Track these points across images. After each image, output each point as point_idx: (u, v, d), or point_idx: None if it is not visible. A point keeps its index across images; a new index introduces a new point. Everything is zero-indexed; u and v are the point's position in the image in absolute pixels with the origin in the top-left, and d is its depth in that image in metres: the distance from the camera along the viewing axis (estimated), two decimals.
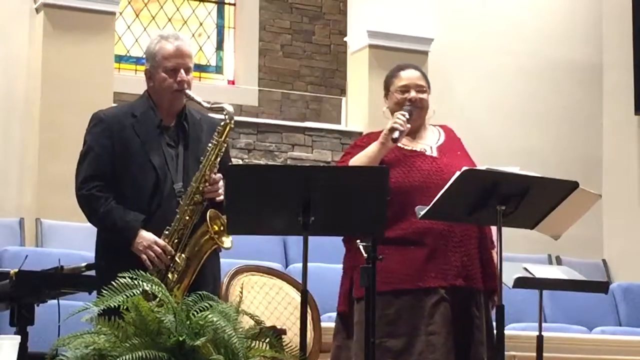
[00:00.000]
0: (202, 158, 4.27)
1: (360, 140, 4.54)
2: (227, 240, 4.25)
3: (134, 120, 4.34)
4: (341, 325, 4.47)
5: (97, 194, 4.25)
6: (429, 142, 4.51)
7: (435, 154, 4.46)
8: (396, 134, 4.31)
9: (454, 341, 4.26)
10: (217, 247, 4.30)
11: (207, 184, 4.25)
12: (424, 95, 4.48)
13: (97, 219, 4.28)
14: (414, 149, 4.45)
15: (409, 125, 4.36)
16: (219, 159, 4.28)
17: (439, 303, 4.25)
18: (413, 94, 4.45)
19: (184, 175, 4.30)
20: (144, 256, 4.18)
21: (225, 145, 4.32)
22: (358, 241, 4.22)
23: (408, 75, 4.50)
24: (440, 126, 4.62)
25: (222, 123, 4.30)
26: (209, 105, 4.31)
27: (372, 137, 4.48)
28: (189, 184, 4.26)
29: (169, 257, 4.20)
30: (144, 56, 4.52)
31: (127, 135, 4.30)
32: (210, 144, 4.28)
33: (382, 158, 4.36)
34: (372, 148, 4.37)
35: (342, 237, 4.49)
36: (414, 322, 4.27)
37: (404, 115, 4.36)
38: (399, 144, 4.38)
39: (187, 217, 4.23)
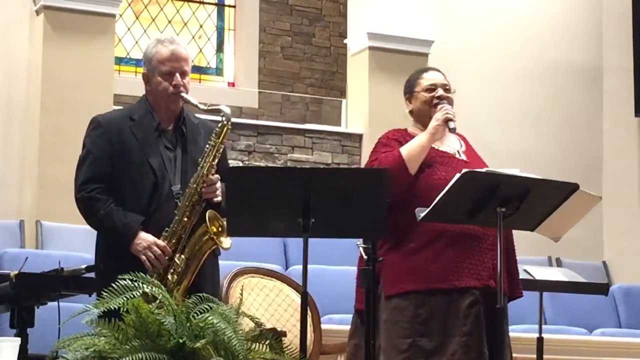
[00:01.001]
0: (199, 160, 4.28)
1: (392, 134, 4.52)
2: (226, 241, 4.26)
3: (132, 123, 4.35)
4: (360, 323, 4.43)
5: (97, 196, 4.26)
6: (454, 146, 4.55)
7: (464, 157, 4.51)
8: (452, 124, 4.38)
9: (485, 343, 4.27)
10: (217, 248, 4.30)
11: (205, 185, 4.25)
12: (450, 95, 4.52)
13: (97, 221, 4.29)
14: (446, 150, 4.48)
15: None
16: (216, 160, 4.29)
17: (473, 304, 4.23)
18: (441, 92, 4.50)
19: (182, 177, 4.31)
20: (143, 257, 4.18)
21: (223, 146, 4.32)
22: (358, 243, 4.23)
23: (433, 76, 4.57)
24: (456, 133, 4.65)
25: (220, 124, 4.31)
26: (205, 107, 4.32)
27: (401, 132, 4.50)
28: (187, 186, 4.27)
29: (167, 257, 4.21)
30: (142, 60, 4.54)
31: (125, 138, 4.32)
32: (207, 145, 4.29)
33: None
34: (423, 138, 4.38)
35: None
36: (448, 322, 4.24)
37: (450, 107, 4.43)
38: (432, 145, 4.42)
39: (186, 218, 4.24)
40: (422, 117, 4.50)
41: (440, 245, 4.28)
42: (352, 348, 4.40)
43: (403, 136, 4.47)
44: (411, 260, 4.27)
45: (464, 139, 4.64)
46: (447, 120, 4.38)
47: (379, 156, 4.39)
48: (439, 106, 4.44)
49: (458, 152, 4.53)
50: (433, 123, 4.39)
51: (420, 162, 4.34)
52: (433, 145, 4.42)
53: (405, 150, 4.34)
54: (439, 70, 4.63)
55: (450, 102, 4.49)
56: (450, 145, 4.53)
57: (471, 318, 4.23)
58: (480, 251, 4.30)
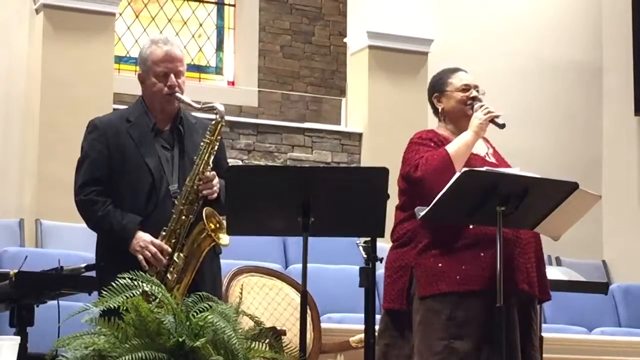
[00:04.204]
0: (195, 157, 4.28)
1: (425, 134, 4.51)
2: (224, 237, 4.25)
3: (129, 125, 4.36)
4: (391, 322, 4.42)
5: (95, 198, 4.28)
6: (482, 149, 4.56)
7: (493, 160, 4.52)
8: (501, 120, 4.43)
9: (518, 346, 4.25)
10: (216, 245, 4.30)
11: (201, 183, 4.25)
12: (481, 96, 4.54)
13: (95, 223, 4.30)
14: (476, 152, 4.49)
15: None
16: (212, 158, 4.29)
17: (508, 308, 4.19)
18: (475, 92, 4.52)
19: (180, 176, 4.32)
20: (141, 256, 4.19)
21: (218, 143, 4.31)
22: (357, 242, 4.22)
23: (466, 76, 4.58)
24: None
25: (213, 122, 4.31)
26: (199, 106, 4.32)
27: (432, 133, 4.50)
28: (184, 184, 4.27)
29: (166, 256, 4.21)
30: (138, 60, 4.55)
31: (122, 140, 4.33)
32: (202, 143, 4.29)
33: None
34: (468, 137, 4.39)
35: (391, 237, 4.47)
36: (483, 325, 4.22)
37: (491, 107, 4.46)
38: None
39: (183, 217, 4.24)
40: (454, 117, 4.51)
41: (476, 249, 4.27)
42: (383, 347, 4.38)
43: (435, 136, 4.47)
44: (447, 262, 4.26)
45: (488, 141, 4.65)
46: (491, 119, 4.40)
47: (424, 155, 4.36)
48: (477, 105, 4.46)
49: (487, 154, 4.55)
50: (476, 122, 4.41)
51: (464, 161, 4.34)
52: None
53: (452, 148, 4.35)
54: (465, 71, 4.64)
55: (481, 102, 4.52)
56: (479, 148, 4.55)
57: (506, 321, 4.17)
58: (514, 255, 4.27)
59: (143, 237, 4.21)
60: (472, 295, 4.24)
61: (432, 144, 4.41)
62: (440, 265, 4.25)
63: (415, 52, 9.43)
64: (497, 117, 4.44)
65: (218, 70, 10.92)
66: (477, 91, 4.54)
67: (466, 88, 4.52)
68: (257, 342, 3.52)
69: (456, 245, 4.27)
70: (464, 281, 4.24)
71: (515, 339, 4.24)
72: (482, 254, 4.25)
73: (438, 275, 4.25)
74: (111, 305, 3.36)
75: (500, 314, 4.10)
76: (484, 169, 4.21)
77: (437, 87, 4.58)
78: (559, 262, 9.34)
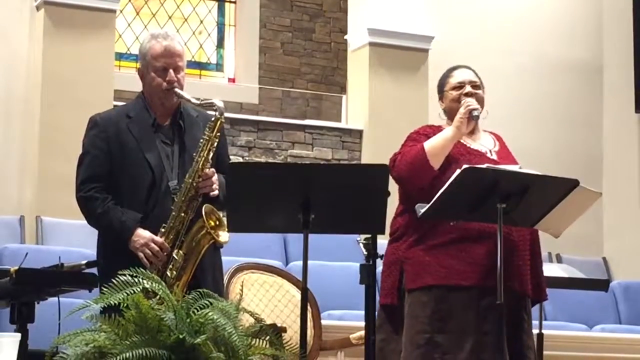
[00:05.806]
0: (194, 154, 4.27)
1: (423, 130, 4.52)
2: (224, 235, 4.24)
3: (129, 120, 4.35)
4: (386, 318, 4.42)
5: (95, 195, 4.27)
6: (487, 145, 4.55)
7: (495, 157, 4.48)
8: (476, 112, 4.40)
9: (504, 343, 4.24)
10: (215, 242, 4.29)
11: (200, 179, 4.24)
12: (479, 91, 4.52)
13: (95, 220, 4.30)
14: (477, 148, 4.47)
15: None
16: (211, 154, 4.27)
17: (494, 304, 4.16)
18: (469, 88, 4.50)
19: (180, 172, 4.30)
20: (141, 254, 4.18)
21: (217, 140, 4.30)
22: (358, 239, 4.23)
23: (462, 73, 4.57)
24: (491, 132, 4.65)
25: (213, 118, 4.30)
26: (198, 102, 4.31)
27: (433, 128, 4.51)
28: (183, 181, 4.27)
29: (165, 254, 4.20)
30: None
31: (122, 136, 4.32)
32: (201, 140, 4.28)
33: (449, 152, 4.38)
34: (448, 132, 4.38)
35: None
36: (467, 320, 4.23)
37: (472, 99, 4.45)
38: (462, 141, 4.42)
39: (183, 214, 4.23)
40: (452, 115, 4.49)
41: (465, 244, 4.26)
42: (380, 342, 4.38)
43: (434, 132, 4.47)
44: (434, 256, 4.26)
45: (499, 138, 4.64)
46: (470, 112, 4.39)
47: (403, 150, 4.38)
48: (462, 101, 4.45)
49: (490, 151, 4.52)
50: (457, 117, 4.40)
51: (443, 157, 4.33)
52: (464, 142, 4.43)
53: (429, 144, 4.34)
54: (469, 68, 4.63)
55: (478, 98, 4.50)
56: (483, 144, 4.53)
57: (491, 317, 4.18)
58: (505, 254, 4.25)
59: (143, 235, 4.21)
60: (457, 289, 4.25)
61: (425, 139, 4.41)
62: (427, 258, 4.26)
63: (415, 49, 9.42)
64: (474, 109, 4.42)
65: (219, 67, 10.92)
66: (477, 87, 4.53)
67: (459, 85, 4.52)
68: (257, 339, 3.52)
69: (445, 240, 4.27)
70: (450, 275, 4.24)
71: (501, 336, 4.22)
72: (470, 249, 4.25)
73: (425, 268, 4.26)
74: (112, 302, 3.37)
75: (501, 311, 4.10)
76: (484, 166, 4.21)
77: (438, 87, 4.61)
78: (559, 259, 9.35)
